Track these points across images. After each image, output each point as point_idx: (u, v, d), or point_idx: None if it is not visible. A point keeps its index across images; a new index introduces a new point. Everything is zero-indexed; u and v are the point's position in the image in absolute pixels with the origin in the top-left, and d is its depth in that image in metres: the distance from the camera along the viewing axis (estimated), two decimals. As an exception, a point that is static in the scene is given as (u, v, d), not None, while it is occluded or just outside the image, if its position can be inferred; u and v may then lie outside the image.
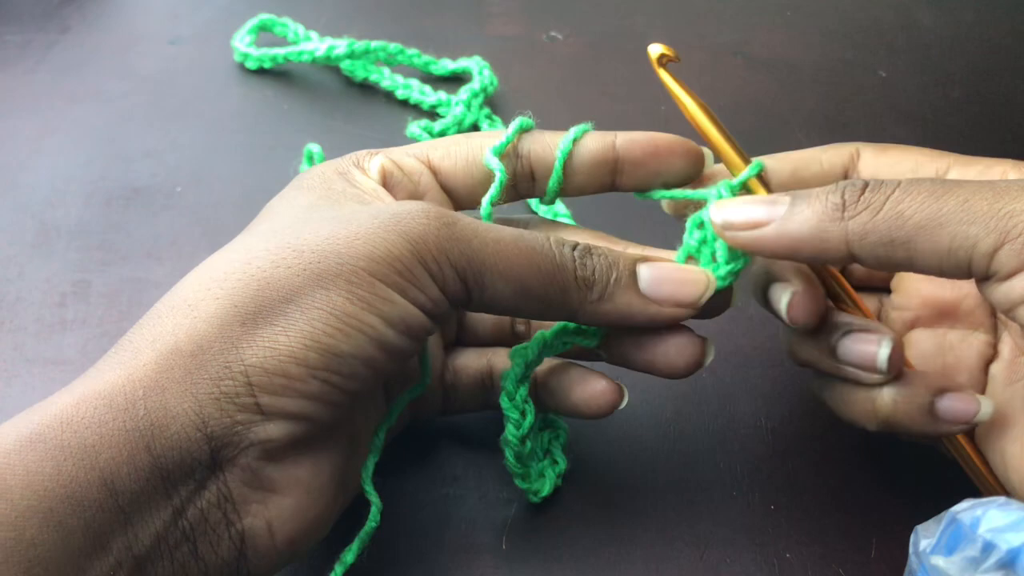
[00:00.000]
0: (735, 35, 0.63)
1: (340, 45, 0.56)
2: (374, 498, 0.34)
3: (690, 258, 0.34)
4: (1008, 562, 0.28)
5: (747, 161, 0.34)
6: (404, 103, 0.57)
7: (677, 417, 0.41)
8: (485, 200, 0.35)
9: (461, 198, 0.36)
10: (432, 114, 0.56)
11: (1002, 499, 0.30)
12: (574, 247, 0.32)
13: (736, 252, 0.33)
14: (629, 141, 0.35)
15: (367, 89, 0.58)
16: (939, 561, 0.30)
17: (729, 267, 0.33)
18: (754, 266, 0.35)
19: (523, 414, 0.35)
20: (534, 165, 0.35)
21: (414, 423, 0.39)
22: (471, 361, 0.38)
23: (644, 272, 0.33)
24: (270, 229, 0.32)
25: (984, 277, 0.29)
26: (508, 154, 0.35)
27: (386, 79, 0.57)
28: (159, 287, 0.46)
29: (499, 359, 0.38)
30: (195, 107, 0.56)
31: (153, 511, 0.27)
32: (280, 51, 0.58)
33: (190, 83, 0.58)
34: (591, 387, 0.35)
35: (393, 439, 0.40)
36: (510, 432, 0.35)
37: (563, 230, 0.37)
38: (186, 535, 0.28)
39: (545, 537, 0.37)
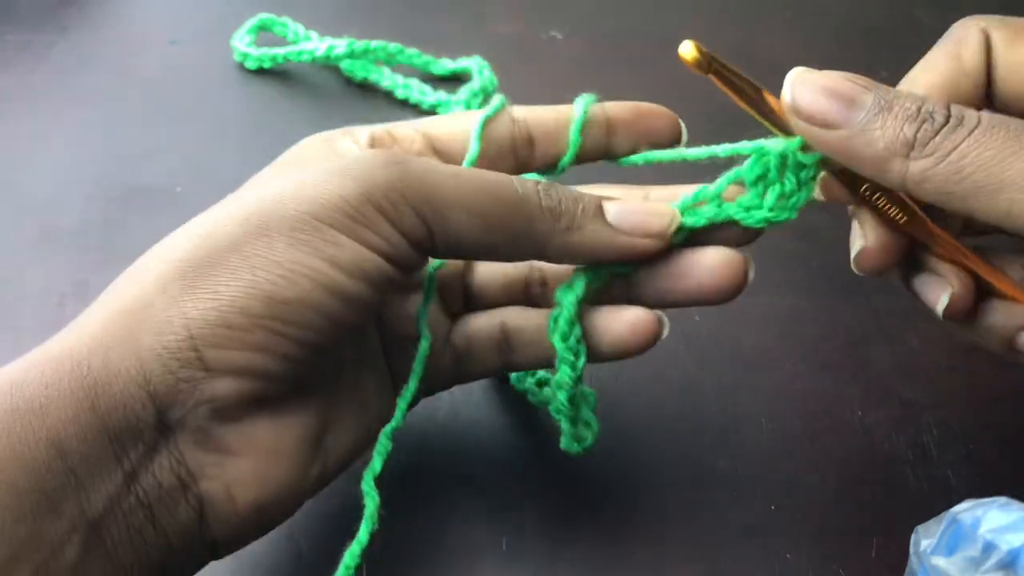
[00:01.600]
0: (735, 35, 0.63)
1: (340, 45, 0.56)
2: (371, 500, 0.33)
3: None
4: (1008, 562, 0.28)
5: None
6: (404, 103, 0.57)
7: (677, 417, 0.41)
8: (467, 157, 0.34)
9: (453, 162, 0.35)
10: (432, 114, 0.56)
11: (1002, 499, 0.30)
12: (536, 182, 0.32)
13: (786, 206, 0.33)
14: (618, 107, 0.35)
15: (367, 89, 0.58)
16: (939, 561, 0.30)
17: (770, 214, 0.33)
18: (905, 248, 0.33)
19: (576, 354, 0.34)
20: (532, 129, 0.35)
21: (416, 425, 0.39)
22: (482, 323, 0.36)
23: (610, 206, 0.32)
24: (232, 196, 0.31)
25: None
26: (504, 120, 0.34)
27: (386, 79, 0.57)
28: (159, 287, 0.46)
29: (511, 316, 0.36)
30: (195, 107, 0.56)
31: (104, 474, 0.27)
32: (280, 51, 0.58)
33: (190, 83, 0.58)
34: (628, 318, 0.34)
35: (394, 439, 0.40)
36: (564, 374, 0.34)
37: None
38: (140, 499, 0.27)
39: (545, 537, 0.37)
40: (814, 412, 0.41)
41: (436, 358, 0.35)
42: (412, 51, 0.57)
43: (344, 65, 0.58)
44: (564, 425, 0.36)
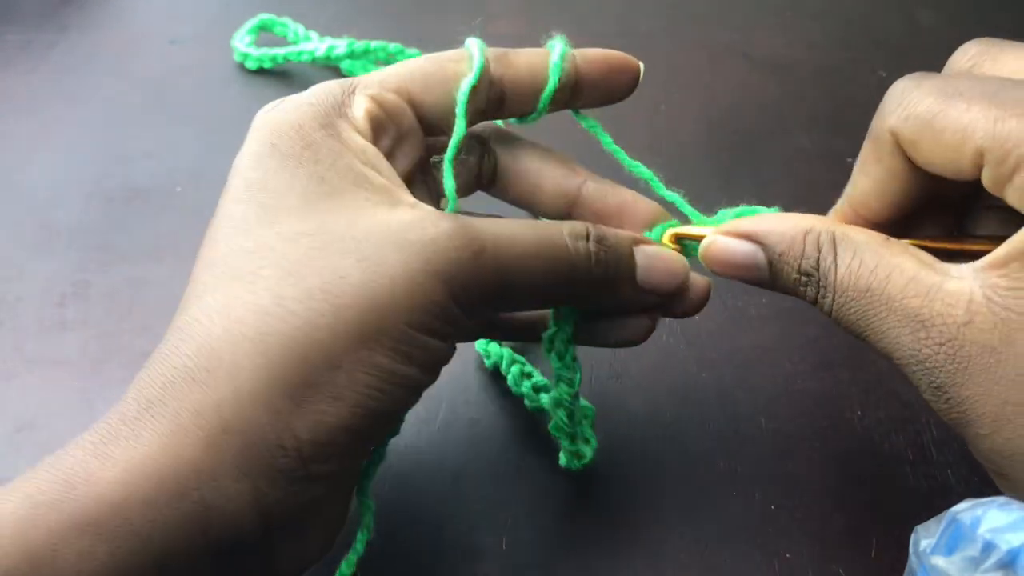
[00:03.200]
0: (735, 35, 0.63)
1: (340, 45, 0.56)
2: (367, 509, 0.33)
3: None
4: (1008, 562, 0.28)
5: None
6: (404, 103, 0.57)
7: (677, 417, 0.41)
8: (454, 137, 0.33)
9: (435, 126, 0.34)
10: None
11: (1002, 499, 0.30)
12: (586, 235, 0.32)
13: None
14: (588, 60, 0.35)
15: (367, 89, 0.58)
16: (939, 561, 0.30)
17: None
18: None
19: (573, 371, 0.35)
20: (506, 89, 0.34)
21: (415, 425, 0.39)
22: None
23: (640, 260, 0.33)
24: (280, 245, 0.28)
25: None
26: (482, 86, 0.33)
27: (386, 79, 0.57)
28: (159, 287, 0.46)
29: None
30: (195, 107, 0.56)
31: None
32: (280, 51, 0.58)
33: (190, 83, 0.58)
34: (630, 328, 0.35)
35: (394, 439, 0.40)
36: (563, 391, 0.35)
37: (551, 160, 0.36)
38: None
39: (545, 537, 0.37)
40: (814, 412, 0.41)
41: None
42: (412, 51, 0.57)
43: (344, 65, 0.58)
44: (564, 442, 0.37)
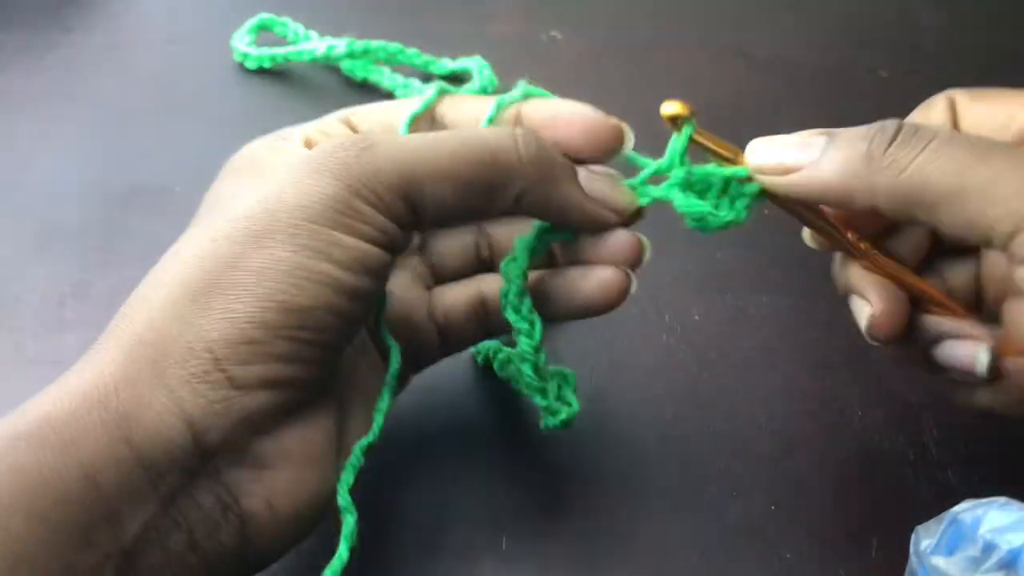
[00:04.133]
0: (735, 35, 0.63)
1: (340, 45, 0.56)
2: (349, 515, 0.32)
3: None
4: (1008, 562, 0.28)
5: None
6: (404, 103, 0.57)
7: (677, 417, 0.41)
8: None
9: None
10: None
11: (1002, 499, 0.30)
12: (512, 128, 0.31)
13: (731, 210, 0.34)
14: (533, 109, 0.34)
15: (367, 89, 0.58)
16: (939, 561, 0.30)
17: (721, 214, 0.34)
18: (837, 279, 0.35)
19: (531, 323, 0.34)
20: (448, 126, 0.35)
21: (414, 425, 0.39)
22: (458, 294, 0.37)
23: (581, 171, 0.33)
24: (207, 217, 0.31)
25: (1008, 255, 0.29)
26: (426, 120, 0.34)
27: (386, 79, 0.57)
28: (159, 287, 0.46)
29: (486, 284, 0.37)
30: (195, 107, 0.56)
31: (139, 502, 0.27)
32: (280, 51, 0.58)
33: (190, 83, 0.58)
34: (598, 277, 0.34)
35: (393, 439, 0.40)
36: (524, 344, 0.35)
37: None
38: (178, 524, 0.27)
39: (545, 537, 0.37)
40: (814, 412, 0.41)
41: (420, 332, 0.36)
42: (412, 51, 0.57)
43: (344, 65, 0.58)
44: (536, 399, 0.36)
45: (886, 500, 0.38)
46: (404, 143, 0.30)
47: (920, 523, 0.31)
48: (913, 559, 0.31)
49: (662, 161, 0.34)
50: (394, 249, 0.30)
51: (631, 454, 0.40)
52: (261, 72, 0.59)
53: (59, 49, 0.60)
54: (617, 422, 0.41)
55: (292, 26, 0.60)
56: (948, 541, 0.30)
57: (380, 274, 0.30)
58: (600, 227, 0.34)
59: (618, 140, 0.34)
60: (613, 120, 0.34)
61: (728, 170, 0.33)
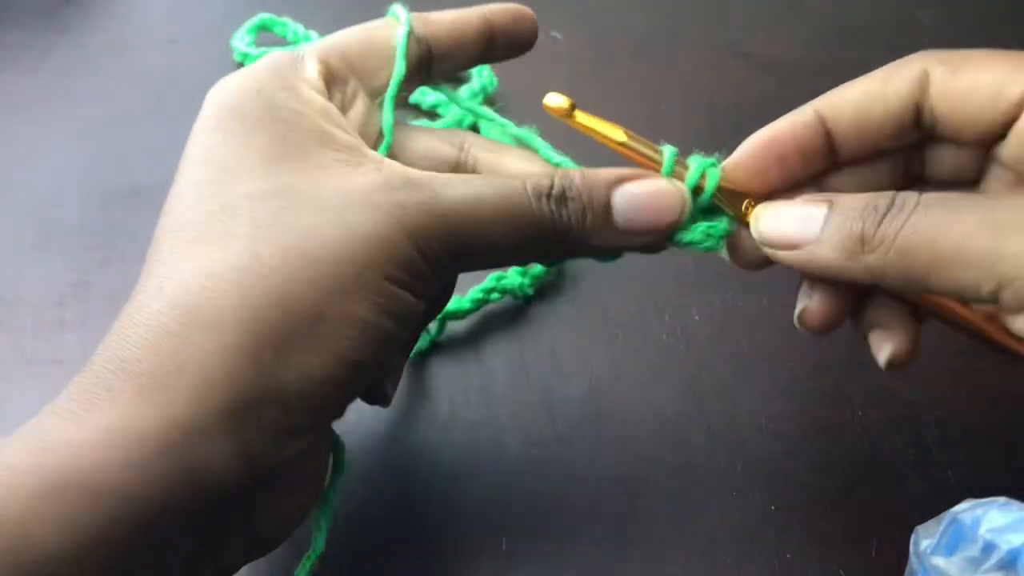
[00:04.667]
0: (735, 35, 0.63)
1: (340, 45, 0.56)
2: (323, 524, 0.33)
3: (678, 167, 0.33)
4: (1008, 562, 0.28)
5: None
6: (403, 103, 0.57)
7: (677, 417, 0.41)
8: (393, 79, 0.34)
9: (377, 94, 0.34)
10: (432, 114, 0.56)
11: (1002, 499, 0.30)
12: (549, 192, 0.31)
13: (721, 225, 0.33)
14: (498, 9, 0.36)
15: (367, 89, 0.58)
16: (939, 561, 0.30)
17: (710, 230, 0.33)
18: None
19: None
20: (432, 44, 0.35)
21: (414, 425, 0.39)
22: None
23: (619, 203, 0.31)
24: (248, 205, 0.28)
25: (1001, 310, 0.29)
26: (411, 42, 0.34)
27: (386, 79, 0.57)
28: (159, 287, 0.46)
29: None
30: (195, 107, 0.56)
31: (185, 546, 0.27)
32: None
33: (190, 83, 0.58)
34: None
35: (392, 439, 0.40)
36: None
37: (508, 152, 0.36)
38: (206, 551, 0.28)
39: (545, 537, 0.37)
40: (814, 412, 0.41)
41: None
42: (412, 51, 0.57)
43: (344, 65, 0.58)
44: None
45: (886, 500, 0.38)
46: (462, 202, 0.30)
47: (920, 523, 0.31)
48: (913, 559, 0.31)
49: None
50: (428, 298, 0.31)
51: (631, 454, 0.40)
52: (261, 72, 0.59)
53: (59, 49, 0.60)
54: (617, 422, 0.41)
55: (292, 26, 0.60)
56: (948, 541, 0.30)
57: (415, 322, 0.31)
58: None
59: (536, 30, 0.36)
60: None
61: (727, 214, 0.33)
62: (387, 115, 0.34)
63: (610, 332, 0.44)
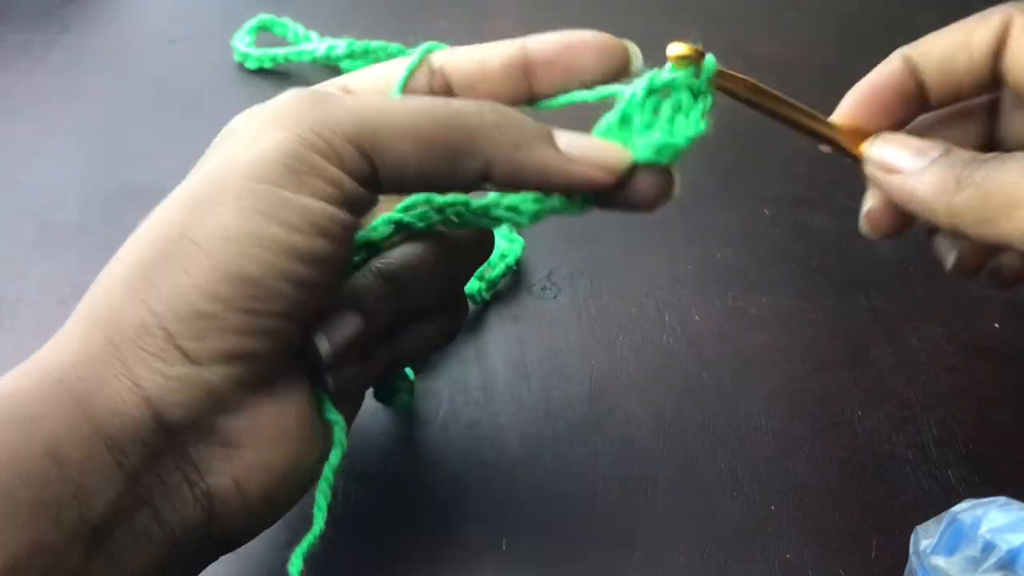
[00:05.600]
0: (735, 35, 0.63)
1: (340, 45, 0.56)
2: (322, 502, 0.31)
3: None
4: (1008, 562, 0.28)
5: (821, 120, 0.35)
6: (404, 103, 0.57)
7: (677, 417, 0.41)
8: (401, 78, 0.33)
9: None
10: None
11: (1002, 499, 0.30)
12: (478, 101, 0.30)
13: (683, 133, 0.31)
14: (540, 40, 0.34)
15: (367, 89, 0.58)
16: (939, 561, 0.30)
17: (697, 128, 0.32)
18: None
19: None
20: (450, 77, 0.33)
21: (414, 425, 0.39)
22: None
23: (560, 133, 0.31)
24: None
25: None
26: (422, 71, 0.33)
27: (386, 79, 0.57)
28: (159, 287, 0.46)
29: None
30: (195, 107, 0.56)
31: (104, 479, 0.26)
32: (280, 51, 0.58)
33: (190, 83, 0.58)
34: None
35: (392, 439, 0.40)
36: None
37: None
38: (144, 500, 0.27)
39: (545, 537, 0.37)
40: (814, 412, 0.41)
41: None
42: (412, 51, 0.57)
43: (344, 65, 0.58)
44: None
45: (886, 500, 0.38)
46: (365, 98, 0.30)
47: (920, 523, 0.31)
48: (913, 559, 0.31)
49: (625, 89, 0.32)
50: (353, 208, 0.29)
51: (631, 454, 0.40)
52: (261, 72, 0.59)
53: (59, 49, 0.60)
54: (617, 422, 0.41)
55: (292, 26, 0.60)
56: (948, 541, 0.30)
57: (337, 236, 0.28)
58: (593, 189, 0.31)
59: (627, 59, 0.34)
60: (622, 40, 0.34)
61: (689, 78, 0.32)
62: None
63: (610, 332, 0.44)
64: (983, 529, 0.29)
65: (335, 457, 0.31)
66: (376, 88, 0.33)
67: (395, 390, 0.38)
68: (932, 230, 0.35)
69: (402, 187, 0.31)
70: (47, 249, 0.48)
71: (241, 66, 0.59)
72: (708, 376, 0.42)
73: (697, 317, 0.45)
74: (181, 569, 0.29)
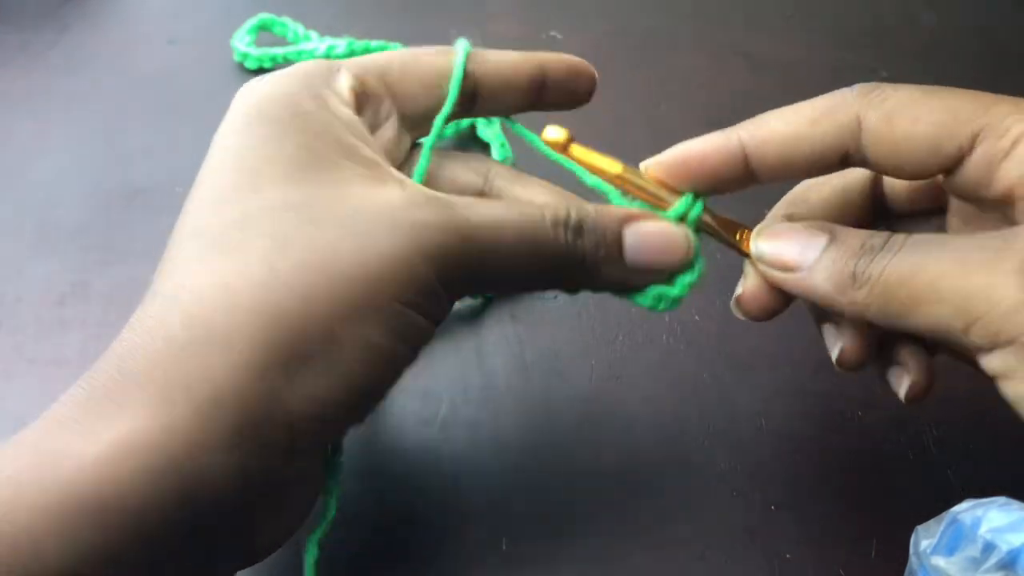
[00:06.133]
0: (735, 35, 0.63)
1: (340, 45, 0.56)
2: (333, 490, 0.32)
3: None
4: (1009, 563, 0.28)
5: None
6: (404, 103, 0.57)
7: (677, 417, 0.41)
8: (442, 113, 0.34)
9: (411, 119, 0.34)
10: None
11: (1002, 499, 0.30)
12: (567, 222, 0.31)
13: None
14: (555, 59, 0.35)
15: (367, 89, 0.58)
16: (940, 561, 0.30)
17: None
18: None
19: None
20: (479, 82, 0.34)
21: (414, 426, 0.39)
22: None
23: (630, 240, 0.32)
24: (268, 215, 0.28)
25: (969, 349, 0.29)
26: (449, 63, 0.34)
27: (386, 79, 0.57)
28: (159, 287, 0.46)
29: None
30: (195, 107, 0.56)
31: (178, 553, 0.26)
32: (280, 51, 0.58)
33: (190, 83, 0.58)
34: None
35: (393, 439, 0.40)
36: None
37: (529, 184, 0.36)
38: (196, 561, 0.27)
39: (545, 537, 0.37)
40: (814, 412, 0.41)
41: None
42: (412, 51, 0.57)
43: (344, 65, 0.58)
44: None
45: (886, 500, 0.38)
46: (493, 234, 0.30)
47: (920, 523, 0.31)
48: (913, 559, 0.31)
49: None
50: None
51: (631, 454, 0.40)
52: (261, 72, 0.59)
53: (58, 48, 0.60)
54: (617, 422, 0.41)
55: (292, 26, 0.60)
56: (948, 541, 0.30)
57: (419, 347, 0.30)
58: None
59: (594, 81, 0.36)
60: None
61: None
62: (430, 140, 0.34)
63: (610, 332, 0.44)
64: (983, 529, 0.29)
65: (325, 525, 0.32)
66: (420, 89, 0.33)
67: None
68: (820, 317, 0.35)
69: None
70: (47, 249, 0.48)
71: (241, 66, 0.59)
72: (708, 376, 0.42)
73: (697, 317, 0.45)
74: None
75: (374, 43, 0.57)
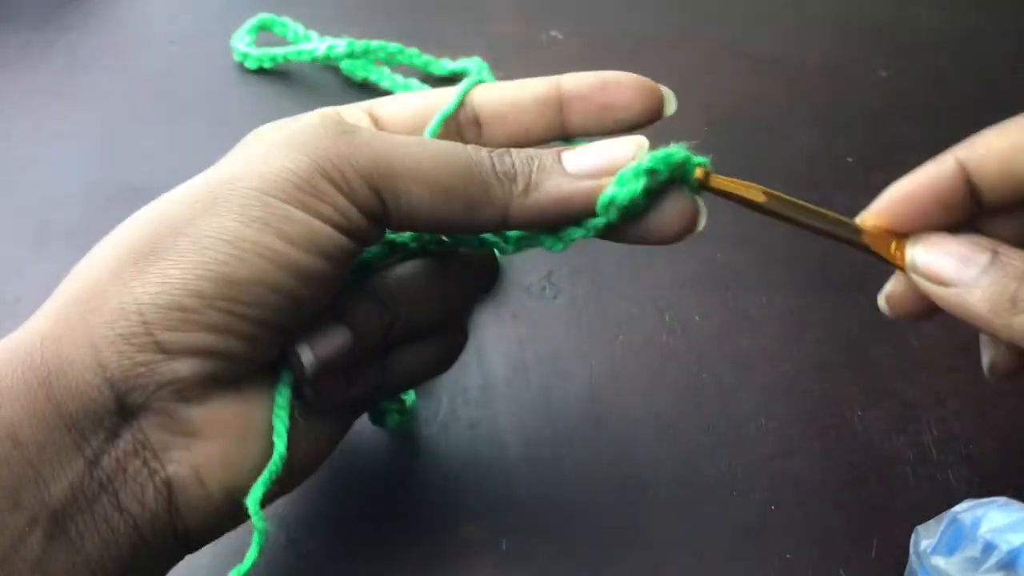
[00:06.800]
0: (736, 35, 0.63)
1: (340, 45, 0.56)
2: (257, 520, 0.29)
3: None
4: (1008, 562, 0.28)
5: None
6: (404, 103, 0.57)
7: (677, 417, 0.41)
8: (431, 129, 0.33)
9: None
10: (366, 86, 0.56)
11: (1002, 499, 0.30)
12: (490, 149, 0.30)
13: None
14: (575, 77, 0.34)
15: (367, 89, 0.58)
16: (940, 561, 0.30)
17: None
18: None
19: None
20: (479, 110, 0.34)
21: (414, 425, 0.39)
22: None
23: (567, 152, 0.31)
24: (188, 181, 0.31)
25: None
26: (459, 115, 0.33)
27: (386, 79, 0.57)
28: (159, 287, 0.46)
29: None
30: (195, 107, 0.56)
31: (64, 462, 0.26)
32: (280, 51, 0.58)
33: (190, 83, 0.58)
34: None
35: (392, 439, 0.40)
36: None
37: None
38: (103, 486, 0.27)
39: (545, 537, 0.37)
40: (814, 412, 0.41)
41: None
42: (412, 51, 0.57)
43: (344, 65, 0.58)
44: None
45: (886, 500, 0.38)
46: (387, 137, 0.30)
47: (920, 523, 0.31)
48: (913, 559, 0.31)
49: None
50: (357, 237, 0.29)
51: (631, 454, 0.40)
52: (261, 72, 0.59)
53: (58, 48, 0.60)
54: (617, 422, 0.41)
55: (292, 26, 0.60)
56: (948, 541, 0.30)
57: (335, 258, 0.29)
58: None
59: (661, 101, 0.34)
60: (658, 85, 0.33)
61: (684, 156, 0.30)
62: (432, 129, 0.33)
63: (610, 332, 0.44)
64: (983, 529, 0.29)
65: (273, 465, 0.30)
66: (404, 121, 0.33)
67: (384, 410, 0.38)
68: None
69: (414, 228, 0.31)
70: (47, 249, 0.48)
71: (241, 66, 0.59)
72: (708, 376, 0.42)
73: (697, 317, 0.45)
74: (146, 564, 0.28)
75: (374, 43, 0.57)
